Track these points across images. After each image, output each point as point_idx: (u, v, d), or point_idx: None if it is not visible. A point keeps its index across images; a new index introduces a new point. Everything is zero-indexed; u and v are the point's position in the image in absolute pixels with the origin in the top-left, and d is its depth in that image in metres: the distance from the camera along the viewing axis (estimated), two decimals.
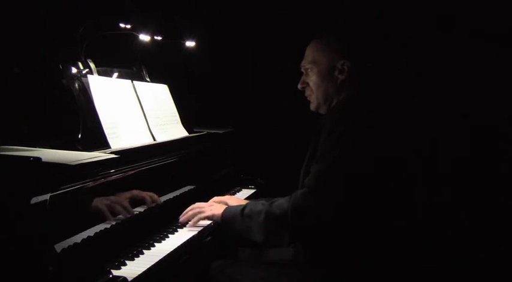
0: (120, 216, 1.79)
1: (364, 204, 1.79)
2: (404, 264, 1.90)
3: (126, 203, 1.84)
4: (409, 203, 1.96)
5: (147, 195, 1.99)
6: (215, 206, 2.04)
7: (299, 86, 2.05)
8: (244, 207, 1.93)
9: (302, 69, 2.04)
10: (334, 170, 1.77)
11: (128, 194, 1.88)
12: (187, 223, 2.07)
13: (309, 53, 2.02)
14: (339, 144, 1.78)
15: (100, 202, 1.71)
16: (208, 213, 2.01)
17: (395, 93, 2.86)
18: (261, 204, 1.90)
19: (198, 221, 2.02)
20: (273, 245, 1.88)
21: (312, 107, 2.04)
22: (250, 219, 1.88)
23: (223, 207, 2.02)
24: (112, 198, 1.78)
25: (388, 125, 1.95)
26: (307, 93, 2.04)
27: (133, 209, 1.91)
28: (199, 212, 2.03)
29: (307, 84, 2.02)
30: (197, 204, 2.09)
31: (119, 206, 1.79)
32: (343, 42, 2.00)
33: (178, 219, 2.06)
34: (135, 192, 1.93)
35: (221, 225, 1.98)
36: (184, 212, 2.06)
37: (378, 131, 1.85)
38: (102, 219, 1.71)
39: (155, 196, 2.03)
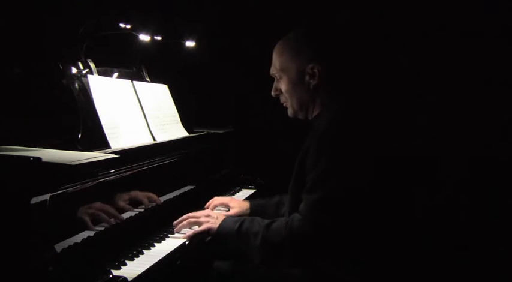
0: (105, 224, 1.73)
1: (363, 219, 1.76)
2: (403, 273, 1.89)
3: (113, 210, 1.78)
4: (408, 213, 1.94)
5: (145, 197, 1.98)
6: (212, 218, 1.95)
7: (272, 93, 1.96)
8: (240, 225, 1.84)
9: (272, 75, 1.95)
10: (329, 199, 1.70)
11: (126, 196, 1.88)
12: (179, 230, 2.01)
13: (276, 59, 1.91)
14: (329, 169, 1.71)
15: (83, 212, 1.66)
16: (205, 226, 1.91)
17: (379, 94, 2.86)
18: (257, 225, 1.82)
19: (194, 235, 1.90)
20: (262, 263, 1.82)
21: (289, 113, 1.95)
22: (247, 240, 1.81)
23: (220, 219, 1.93)
24: (96, 205, 1.72)
25: (376, 133, 1.89)
26: (282, 100, 1.95)
27: (134, 209, 1.91)
28: (195, 223, 1.94)
29: (280, 91, 1.93)
30: (193, 214, 1.99)
31: (103, 213, 1.73)
32: (309, 43, 1.87)
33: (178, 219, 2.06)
34: (133, 193, 1.93)
35: (216, 240, 1.91)
36: (179, 219, 1.97)
37: (368, 148, 1.78)
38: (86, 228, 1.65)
39: (154, 197, 2.03)
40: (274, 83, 1.96)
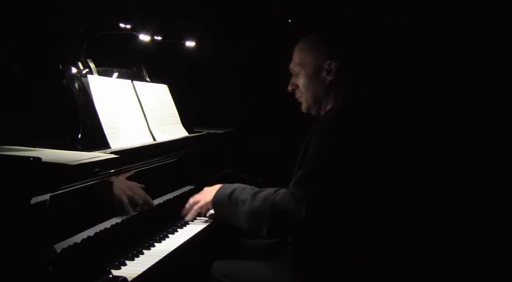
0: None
1: (348, 208, 1.77)
2: (394, 262, 1.91)
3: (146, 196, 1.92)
4: (400, 205, 1.95)
5: (140, 199, 1.96)
6: (206, 192, 2.09)
7: (289, 88, 2.05)
8: (231, 192, 1.95)
9: (290, 71, 2.04)
10: (314, 176, 1.75)
11: (126, 196, 1.87)
12: (187, 223, 2.09)
13: (296, 55, 2.01)
14: (323, 150, 1.77)
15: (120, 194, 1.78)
16: (202, 202, 2.08)
17: (389, 91, 2.86)
18: (246, 192, 1.90)
19: (195, 213, 2.10)
20: (254, 235, 1.88)
21: (303, 108, 2.04)
22: (236, 206, 1.90)
23: (215, 189, 2.03)
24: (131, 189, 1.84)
25: (377, 126, 1.92)
26: (297, 95, 2.04)
27: (133, 209, 1.91)
28: (194, 203, 2.11)
29: (297, 86, 2.02)
30: (195, 198, 2.14)
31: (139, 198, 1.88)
32: (328, 42, 1.98)
33: (179, 219, 2.07)
34: (133, 193, 1.93)
35: (213, 209, 2.05)
36: (187, 209, 2.14)
37: (363, 136, 1.82)
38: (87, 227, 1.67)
39: (148, 200, 2.01)
40: (292, 78, 2.04)
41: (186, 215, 2.12)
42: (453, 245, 2.83)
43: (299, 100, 2.05)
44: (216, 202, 2.00)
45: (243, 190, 1.93)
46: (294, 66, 2.01)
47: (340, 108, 1.92)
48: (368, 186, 1.80)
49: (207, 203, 2.06)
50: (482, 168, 2.86)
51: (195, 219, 2.15)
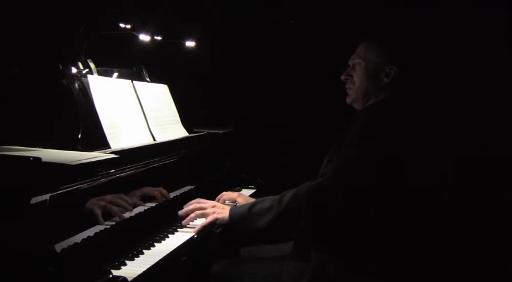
0: (116, 218, 1.78)
1: (379, 201, 1.79)
2: (415, 268, 1.90)
3: (123, 203, 1.82)
4: (430, 211, 1.96)
5: (156, 192, 1.99)
6: (218, 208, 1.99)
7: (342, 77, 2.08)
8: (251, 206, 1.90)
9: (350, 63, 2.08)
10: (354, 161, 1.79)
11: (126, 196, 1.88)
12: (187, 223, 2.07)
13: (362, 49, 2.06)
14: (364, 140, 1.82)
15: (94, 204, 1.69)
16: (211, 218, 1.94)
17: (438, 101, 2.85)
18: (269, 201, 1.88)
19: (202, 228, 1.94)
20: (280, 238, 1.90)
21: (349, 100, 2.08)
22: (260, 217, 1.85)
23: (227, 209, 1.97)
24: (107, 198, 1.75)
25: (419, 131, 1.97)
26: (348, 85, 2.07)
27: (134, 210, 1.91)
28: (202, 215, 1.99)
29: (351, 76, 2.05)
30: (199, 202, 2.04)
31: (114, 207, 1.77)
32: (396, 48, 2.05)
33: (178, 219, 2.06)
34: (145, 189, 1.93)
35: (229, 227, 1.93)
36: (186, 209, 2.02)
37: (405, 135, 1.87)
38: (96, 223, 1.68)
39: (164, 191, 2.03)
40: (348, 69, 2.08)
41: (185, 219, 2.00)
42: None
43: (347, 91, 2.08)
44: (234, 218, 1.91)
45: (264, 200, 1.90)
46: (355, 58, 2.05)
47: (385, 106, 1.96)
48: (401, 182, 1.82)
49: (218, 219, 1.93)
50: None
51: (194, 219, 2.15)
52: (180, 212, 2.02)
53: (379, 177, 1.78)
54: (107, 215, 1.76)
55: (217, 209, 1.98)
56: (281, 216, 1.81)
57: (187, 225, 2.00)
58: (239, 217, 1.90)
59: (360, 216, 1.78)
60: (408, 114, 1.97)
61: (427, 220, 1.93)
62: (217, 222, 1.94)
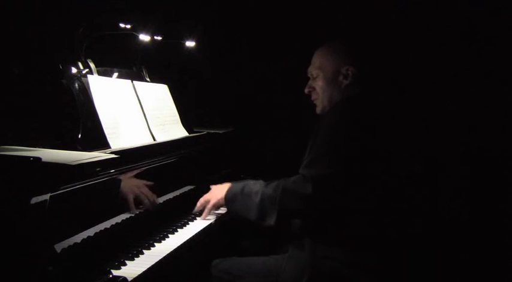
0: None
1: (353, 193, 1.86)
2: (400, 254, 1.96)
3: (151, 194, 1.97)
4: (402, 201, 2.03)
5: (145, 197, 1.99)
6: (216, 190, 2.15)
7: (306, 90, 2.14)
8: (243, 186, 2.04)
9: (308, 74, 2.13)
10: (321, 156, 1.87)
11: (126, 196, 1.88)
12: (187, 223, 2.10)
13: (316, 59, 2.11)
14: (330, 136, 1.88)
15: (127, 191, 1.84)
16: (214, 200, 2.13)
17: (395, 94, 2.86)
18: (259, 184, 2.01)
19: (209, 212, 2.16)
20: (264, 224, 1.95)
21: (318, 110, 2.13)
22: (249, 198, 1.98)
23: (226, 187, 2.10)
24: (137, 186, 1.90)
25: (381, 121, 2.02)
26: (314, 97, 2.13)
27: (133, 209, 1.91)
28: (206, 202, 2.16)
29: (314, 88, 2.11)
30: (205, 198, 2.19)
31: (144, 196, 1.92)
32: (349, 49, 2.09)
33: (179, 219, 2.07)
34: (133, 193, 1.93)
35: (225, 205, 2.10)
36: (198, 207, 2.20)
37: (369, 126, 1.93)
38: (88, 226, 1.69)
39: (153, 197, 2.03)
40: (309, 81, 2.14)
41: (198, 213, 2.20)
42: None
43: (314, 102, 2.13)
44: (228, 197, 2.07)
45: (255, 183, 2.03)
46: (312, 70, 2.11)
47: (347, 101, 2.02)
48: (368, 171, 1.88)
49: (218, 201, 2.12)
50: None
51: (194, 219, 2.16)
52: (196, 210, 2.21)
53: (344, 167, 1.84)
54: (108, 213, 1.77)
55: (215, 191, 2.16)
56: (262, 202, 1.93)
57: (186, 226, 2.06)
58: (232, 197, 2.06)
59: (330, 206, 1.86)
60: (368, 107, 2.02)
61: (395, 211, 1.98)
62: (220, 202, 2.11)
